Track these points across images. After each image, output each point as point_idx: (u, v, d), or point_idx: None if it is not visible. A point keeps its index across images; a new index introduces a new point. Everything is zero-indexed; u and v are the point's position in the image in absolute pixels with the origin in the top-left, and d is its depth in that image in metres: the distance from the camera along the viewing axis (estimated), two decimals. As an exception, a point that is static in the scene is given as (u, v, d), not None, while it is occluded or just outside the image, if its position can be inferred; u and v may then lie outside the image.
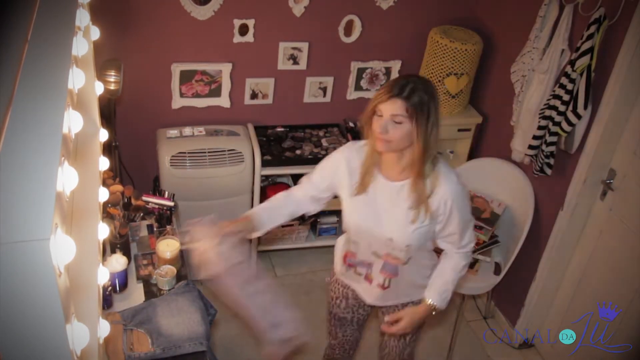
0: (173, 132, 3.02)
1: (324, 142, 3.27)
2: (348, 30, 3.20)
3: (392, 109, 1.67)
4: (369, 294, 2.04)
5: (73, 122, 1.20)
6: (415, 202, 1.78)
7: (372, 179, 1.84)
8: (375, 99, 1.71)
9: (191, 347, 1.97)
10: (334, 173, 1.91)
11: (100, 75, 2.46)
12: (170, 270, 2.23)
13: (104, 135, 1.86)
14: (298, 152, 3.18)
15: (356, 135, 3.23)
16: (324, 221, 3.46)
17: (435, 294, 1.92)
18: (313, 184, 1.98)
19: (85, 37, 1.62)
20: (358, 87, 3.39)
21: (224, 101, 3.20)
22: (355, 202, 1.87)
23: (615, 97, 2.40)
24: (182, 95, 3.11)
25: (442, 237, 1.89)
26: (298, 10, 3.04)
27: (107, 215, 2.26)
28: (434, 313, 1.94)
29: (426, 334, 3.20)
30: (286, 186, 3.24)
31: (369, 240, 1.90)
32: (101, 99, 2.03)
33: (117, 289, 2.19)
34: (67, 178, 0.99)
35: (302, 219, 3.41)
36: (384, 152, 1.78)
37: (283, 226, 3.35)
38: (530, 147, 2.70)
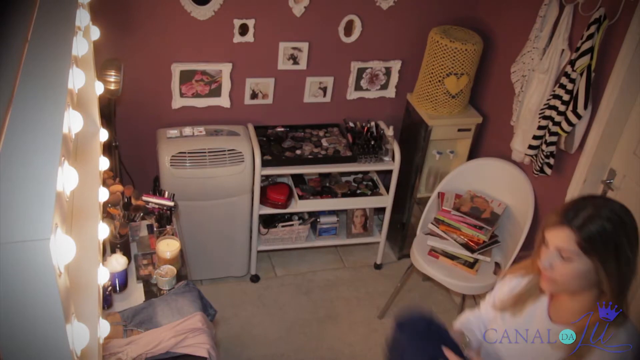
0: (173, 132, 3.02)
1: (324, 142, 3.27)
2: (348, 30, 3.20)
3: (558, 240, 1.32)
4: None
5: (73, 122, 1.20)
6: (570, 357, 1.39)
7: (533, 302, 1.52)
8: (544, 222, 1.37)
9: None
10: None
11: (101, 75, 2.46)
12: (170, 270, 2.23)
13: (104, 135, 1.86)
14: (298, 152, 3.18)
15: (356, 135, 3.23)
16: (324, 221, 3.46)
17: None
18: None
19: (85, 37, 1.62)
20: (358, 87, 3.39)
21: (224, 101, 3.20)
22: (506, 321, 1.59)
23: (615, 97, 2.40)
24: (182, 95, 3.11)
25: None
26: (298, 10, 3.04)
27: (107, 215, 2.26)
28: None
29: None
30: (286, 186, 3.24)
31: None
32: (101, 99, 2.02)
33: (117, 289, 2.19)
34: (67, 178, 0.98)
35: (302, 219, 3.41)
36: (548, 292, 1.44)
37: (283, 225, 3.36)
38: (530, 147, 2.70)
